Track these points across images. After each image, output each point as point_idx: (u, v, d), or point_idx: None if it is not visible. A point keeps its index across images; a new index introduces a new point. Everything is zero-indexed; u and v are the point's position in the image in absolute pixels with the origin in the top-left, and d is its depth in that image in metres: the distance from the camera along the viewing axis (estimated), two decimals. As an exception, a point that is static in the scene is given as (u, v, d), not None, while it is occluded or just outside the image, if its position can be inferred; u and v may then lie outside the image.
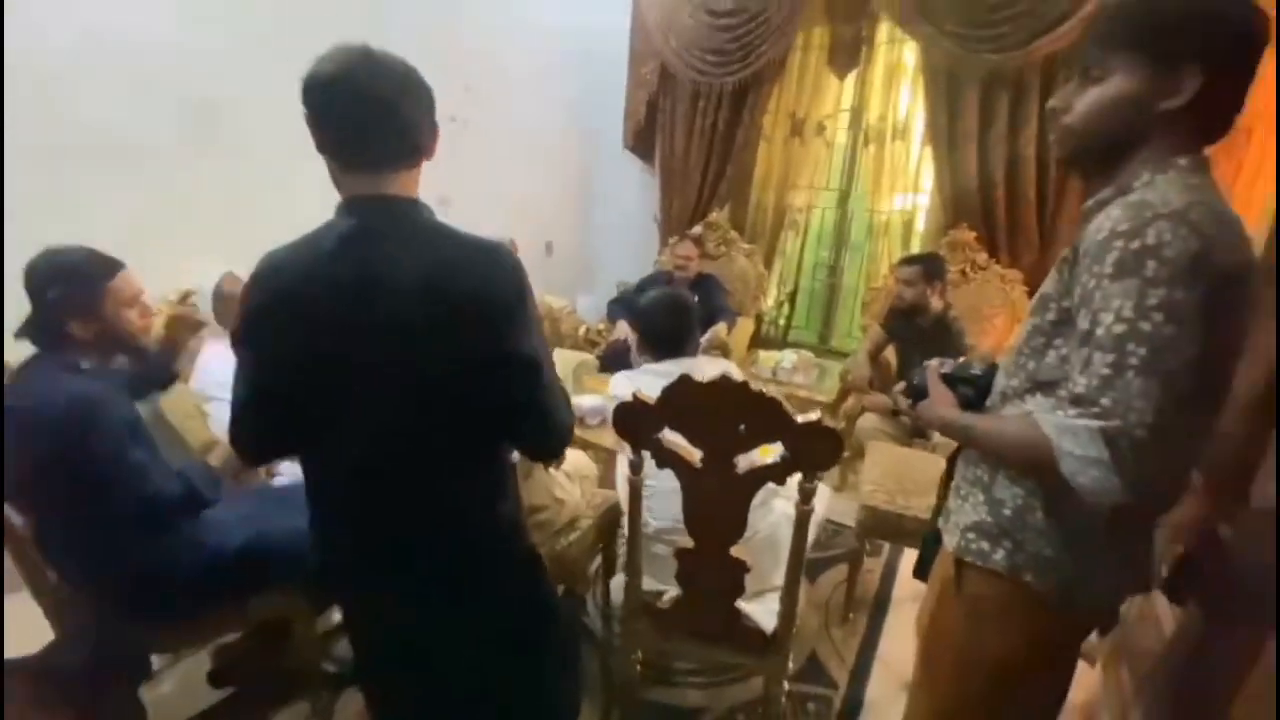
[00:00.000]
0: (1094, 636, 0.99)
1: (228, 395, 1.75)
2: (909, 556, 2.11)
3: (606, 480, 1.96)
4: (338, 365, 0.83)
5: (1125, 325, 0.66)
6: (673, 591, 1.33)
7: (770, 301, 3.67)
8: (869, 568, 2.09)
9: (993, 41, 2.56)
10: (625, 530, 1.36)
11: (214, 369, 1.79)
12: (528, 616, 1.04)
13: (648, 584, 1.36)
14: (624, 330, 3.04)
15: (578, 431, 1.83)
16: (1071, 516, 0.78)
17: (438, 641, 1.00)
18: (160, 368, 1.42)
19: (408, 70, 0.84)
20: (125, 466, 1.11)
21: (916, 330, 2.37)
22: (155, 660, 1.48)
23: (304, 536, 1.18)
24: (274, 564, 1.33)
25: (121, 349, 1.25)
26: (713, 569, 1.23)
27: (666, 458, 1.16)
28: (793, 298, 3.82)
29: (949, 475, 1.01)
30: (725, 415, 1.09)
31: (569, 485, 1.66)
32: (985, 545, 0.85)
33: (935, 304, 2.33)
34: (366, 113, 0.80)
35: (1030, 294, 2.69)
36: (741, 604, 1.28)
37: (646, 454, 1.18)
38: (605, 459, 2.02)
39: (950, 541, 0.92)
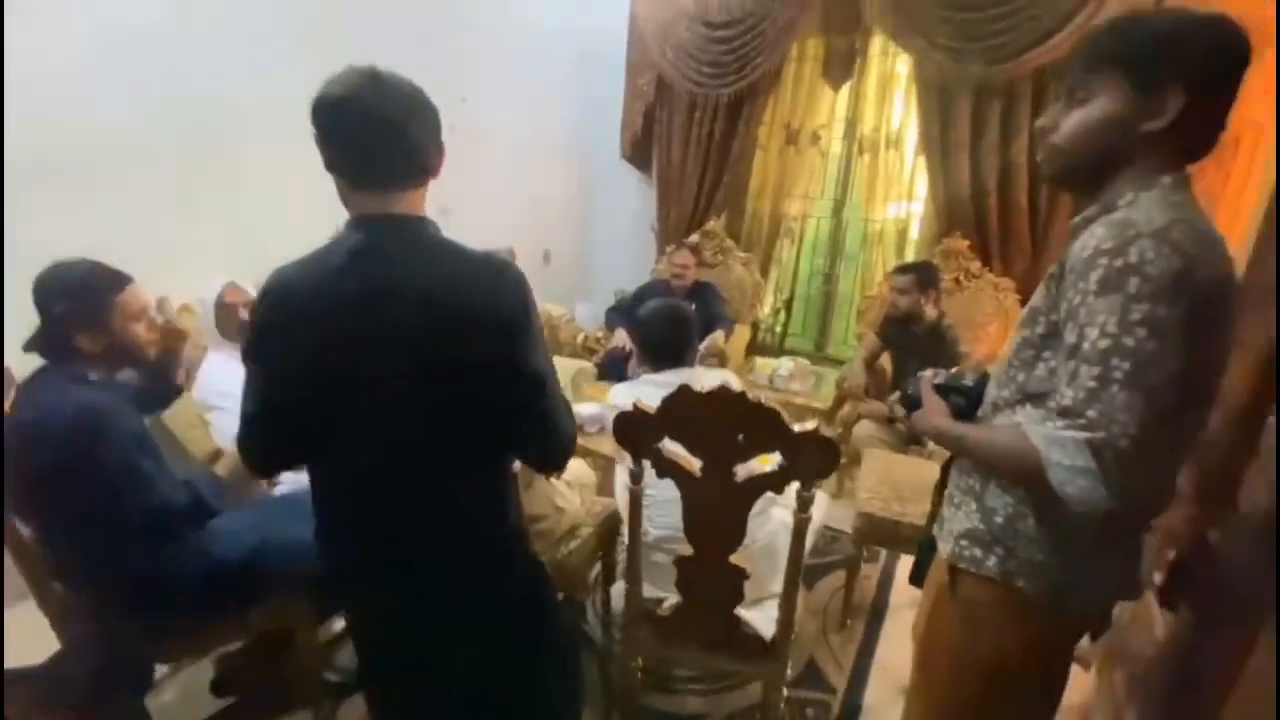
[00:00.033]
0: (1086, 640, 1.01)
1: (229, 404, 1.78)
2: (905, 563, 2.13)
3: (605, 488, 1.98)
4: (346, 379, 0.85)
5: (1110, 340, 0.68)
6: (673, 599, 1.35)
7: (767, 309, 3.70)
8: (866, 574, 2.11)
9: (983, 54, 2.61)
10: (625, 538, 1.38)
11: (215, 378, 1.80)
12: (531, 623, 1.06)
13: (648, 591, 1.38)
14: (622, 338, 3.06)
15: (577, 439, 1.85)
16: (1061, 524, 0.81)
17: (442, 647, 1.01)
18: (165, 383, 1.43)
19: (414, 91, 0.86)
20: (133, 476, 1.12)
21: (911, 338, 2.40)
22: (158, 669, 1.48)
23: (306, 546, 1.19)
24: (277, 573, 1.34)
25: (129, 362, 1.27)
26: (712, 576, 1.25)
27: (667, 467, 1.18)
28: (789, 305, 3.85)
29: (943, 483, 1.03)
30: (724, 425, 1.11)
31: (569, 494, 1.68)
32: (978, 552, 0.87)
33: (930, 312, 2.36)
34: (374, 134, 0.82)
35: (1023, 302, 2.72)
36: (741, 611, 1.30)
37: (647, 463, 1.20)
38: (604, 466, 2.04)
39: (944, 548, 0.94)
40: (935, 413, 0.96)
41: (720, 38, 3.23)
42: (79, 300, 1.16)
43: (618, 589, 1.45)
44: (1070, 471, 0.70)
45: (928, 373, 1.03)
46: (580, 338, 3.31)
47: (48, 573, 1.20)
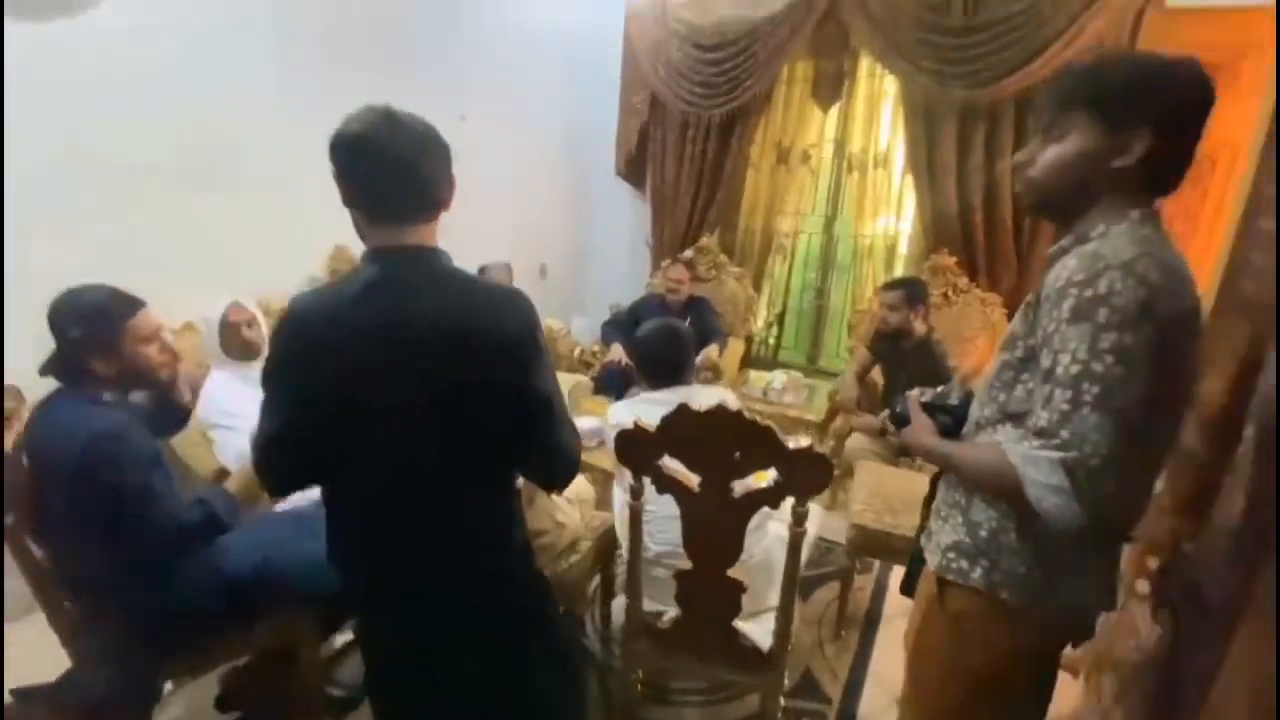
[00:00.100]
0: (1070, 649, 1.05)
1: (232, 423, 1.81)
2: (898, 573, 2.16)
3: (603, 502, 2.01)
4: (362, 403, 0.88)
5: (1080, 366, 0.73)
6: (672, 612, 1.38)
7: (760, 323, 3.77)
8: (860, 585, 2.15)
9: (966, 78, 2.70)
10: (624, 553, 1.41)
11: (218, 397, 1.81)
12: (535, 636, 1.09)
13: (648, 605, 1.41)
14: (618, 352, 3.10)
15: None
16: (1041, 537, 0.85)
17: (450, 661, 1.04)
18: (175, 407, 1.46)
19: (427, 129, 0.91)
20: (149, 496, 1.15)
21: (901, 352, 2.46)
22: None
23: (310, 563, 1.23)
24: (281, 590, 1.36)
25: (141, 384, 1.30)
26: (711, 590, 1.29)
27: (666, 483, 1.22)
28: (781, 319, 3.92)
29: (931, 496, 1.08)
30: (722, 443, 1.15)
31: (569, 509, 1.71)
32: (964, 564, 0.92)
33: (918, 327, 2.42)
34: (390, 171, 0.87)
35: (1009, 316, 2.80)
36: (739, 623, 1.33)
37: (646, 480, 1.23)
38: (601, 480, 2.07)
39: (932, 560, 0.98)
40: (923, 431, 1.01)
41: (712, 59, 3.31)
42: (95, 326, 1.19)
43: (618, 603, 1.48)
44: (1045, 489, 0.75)
45: (914, 392, 1.09)
46: (577, 351, 3.35)
47: (60, 591, 1.22)
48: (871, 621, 2.06)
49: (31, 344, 1.23)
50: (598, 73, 3.70)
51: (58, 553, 1.21)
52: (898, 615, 2.06)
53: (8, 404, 1.28)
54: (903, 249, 3.37)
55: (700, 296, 3.32)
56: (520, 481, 1.08)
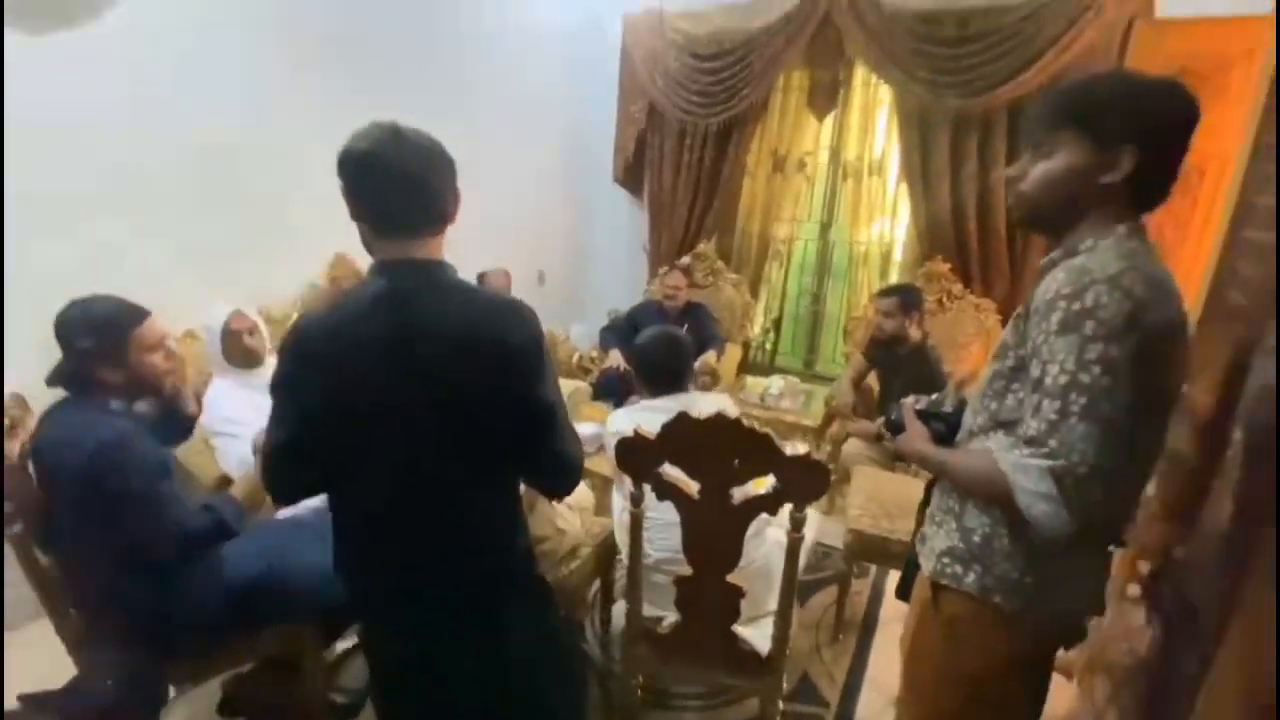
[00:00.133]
0: (1063, 651, 1.07)
1: (234, 430, 1.82)
2: (895, 577, 2.18)
3: (601, 507, 2.02)
4: (369, 413, 0.90)
5: (1068, 376, 0.76)
6: (672, 617, 1.40)
7: (757, 329, 3.80)
8: (857, 589, 2.17)
9: (959, 87, 2.74)
10: (624, 559, 1.43)
11: (220, 405, 1.83)
12: (539, 641, 1.11)
13: (648, 610, 1.43)
14: (616, 358, 3.13)
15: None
16: (1033, 543, 0.87)
17: (455, 666, 1.06)
18: (181, 416, 1.47)
19: (432, 144, 0.93)
20: (157, 503, 1.17)
21: (896, 358, 2.48)
22: (166, 692, 1.50)
23: (313, 571, 1.24)
24: (283, 598, 1.37)
25: (147, 392, 1.31)
26: (711, 595, 1.30)
27: (667, 490, 1.24)
28: (778, 325, 3.95)
29: (926, 502, 1.10)
30: (721, 450, 1.17)
31: (570, 515, 1.73)
32: (958, 569, 0.94)
33: (914, 333, 2.44)
34: (397, 186, 0.89)
35: (1002, 322, 2.83)
36: (738, 628, 1.35)
37: (647, 486, 1.25)
38: (600, 486, 2.09)
39: (927, 566, 1.00)
40: (917, 438, 1.03)
41: (708, 69, 3.35)
42: (103, 336, 1.21)
43: (618, 609, 1.50)
44: (1035, 496, 0.77)
45: (909, 399, 1.11)
46: (575, 358, 3.37)
47: (66, 599, 1.23)
48: (868, 626, 2.07)
49: (33, 351, 1.24)
50: (596, 82, 3.73)
51: (64, 560, 1.22)
52: (894, 619, 2.08)
53: (13, 412, 1.29)
54: (898, 255, 3.41)
55: (698, 302, 3.34)
56: (521, 488, 1.10)
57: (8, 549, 1.19)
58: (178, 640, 1.26)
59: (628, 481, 1.27)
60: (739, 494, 1.20)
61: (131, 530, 1.16)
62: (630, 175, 3.89)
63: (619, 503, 1.61)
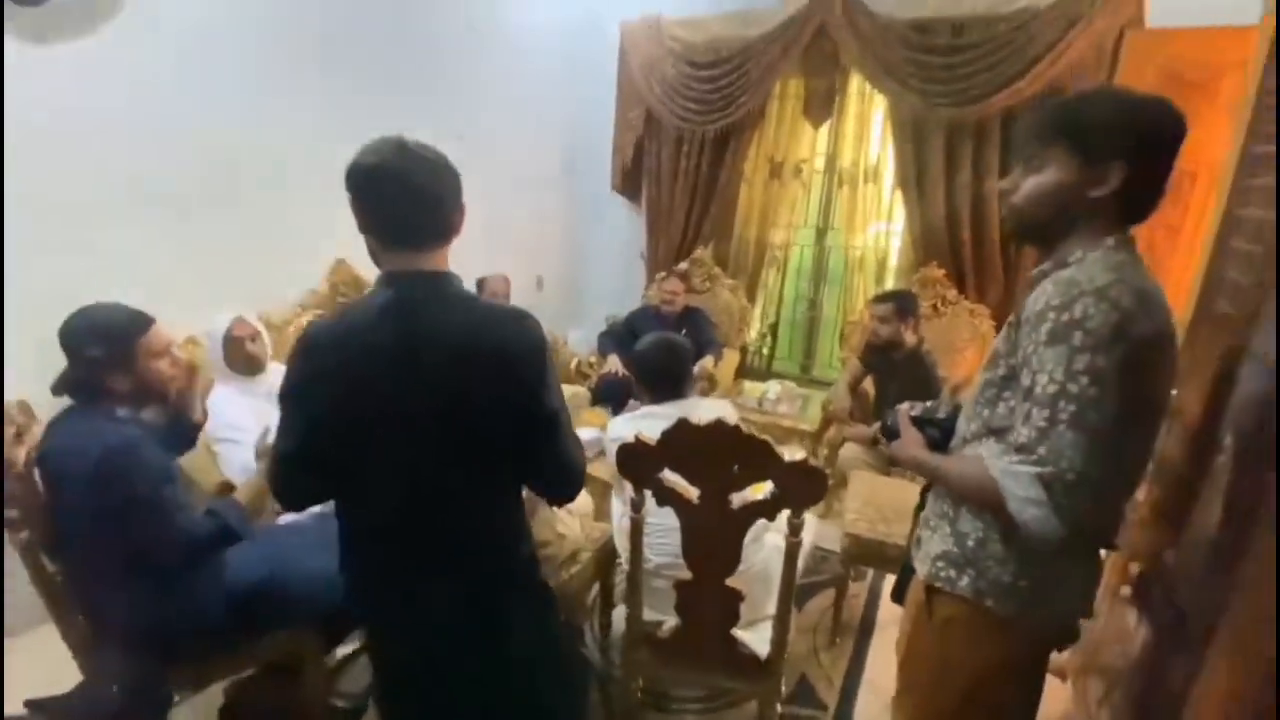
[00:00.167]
0: (1056, 653, 1.09)
1: (236, 436, 1.83)
2: (891, 581, 2.20)
3: (600, 512, 2.04)
4: (376, 421, 0.92)
5: (1057, 386, 0.78)
6: (672, 621, 1.41)
7: (754, 334, 3.83)
8: (854, 592, 2.18)
9: (953, 96, 2.78)
10: (624, 564, 1.44)
11: (222, 411, 1.84)
12: (542, 645, 1.12)
13: (648, 615, 1.44)
14: (615, 363, 3.14)
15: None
16: (1025, 547, 0.89)
17: (457, 669, 1.07)
18: (187, 424, 1.49)
19: (438, 158, 0.95)
20: (163, 509, 1.18)
21: (892, 363, 2.51)
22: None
23: (317, 578, 1.25)
24: (288, 603, 1.39)
25: (153, 398, 1.32)
26: (710, 599, 1.32)
27: (667, 496, 1.25)
28: (775, 330, 3.97)
29: (921, 506, 1.12)
30: (720, 457, 1.19)
31: (570, 521, 1.75)
32: (952, 573, 0.96)
33: (909, 339, 2.47)
34: (404, 200, 0.91)
35: (997, 327, 2.86)
36: (737, 632, 1.37)
37: (647, 492, 1.27)
38: (600, 492, 2.10)
39: (921, 569, 1.02)
40: (912, 444, 1.05)
41: (705, 77, 3.38)
42: (112, 344, 1.22)
43: (618, 613, 1.51)
44: (1025, 501, 0.79)
45: (904, 406, 1.13)
46: (574, 363, 3.39)
47: (72, 604, 1.24)
48: (865, 629, 2.09)
49: (34, 358, 1.24)
50: (594, 88, 3.76)
51: (71, 566, 1.23)
52: (891, 623, 2.10)
53: (19, 420, 1.30)
54: (893, 261, 3.44)
55: (696, 307, 3.37)
56: (524, 494, 1.12)
57: (15, 555, 1.20)
58: (181, 646, 1.27)
59: (628, 487, 1.29)
60: (738, 499, 1.22)
61: (137, 536, 1.17)
62: (628, 181, 3.91)
63: (618, 508, 1.63)
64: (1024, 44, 2.62)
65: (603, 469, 1.99)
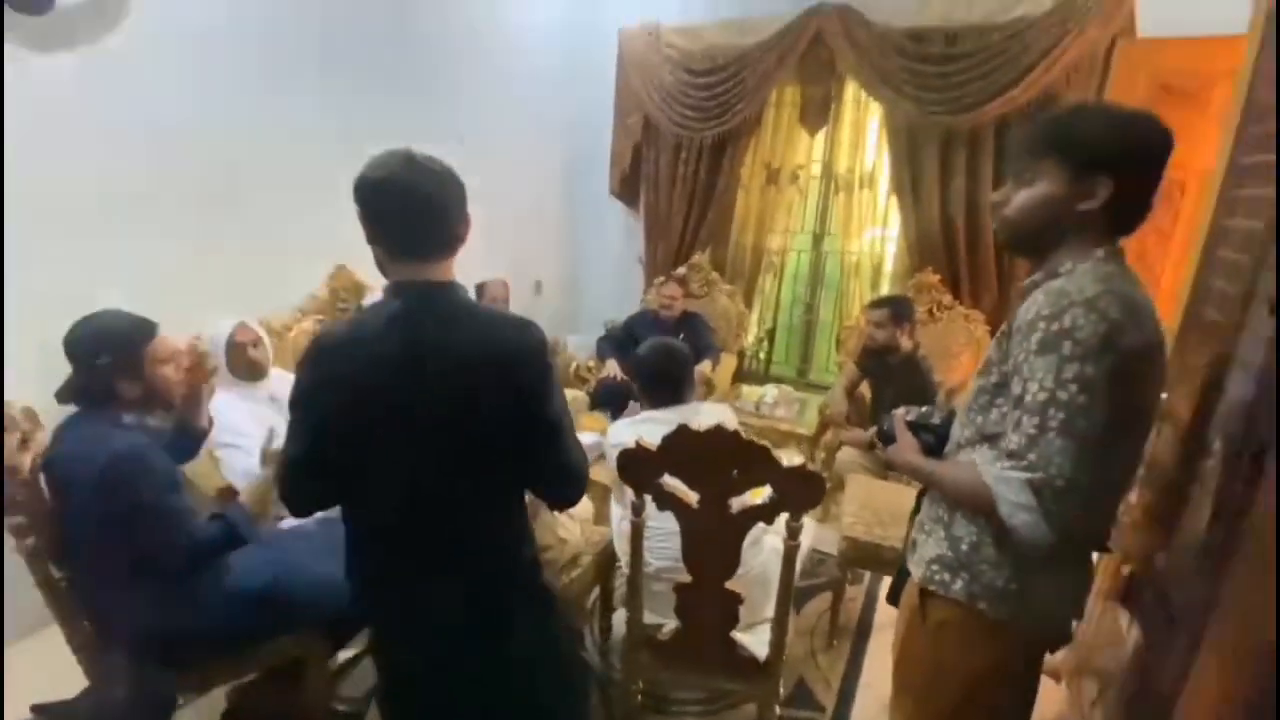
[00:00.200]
0: (1060, 653, 1.10)
1: (237, 441, 1.84)
2: (888, 584, 2.22)
3: (600, 516, 2.05)
4: (384, 429, 0.94)
5: (1047, 394, 0.80)
6: (671, 624, 1.43)
7: (751, 338, 3.85)
8: (851, 595, 2.20)
9: (947, 104, 2.81)
10: (624, 568, 1.46)
11: (225, 417, 1.84)
12: (544, 648, 1.14)
13: (648, 618, 1.46)
14: (613, 367, 3.16)
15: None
16: (1018, 551, 0.91)
17: (461, 672, 1.09)
18: (192, 431, 1.50)
19: (444, 170, 0.97)
20: (168, 514, 1.20)
21: (888, 368, 2.54)
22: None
23: (320, 583, 1.27)
24: (292, 608, 1.40)
25: (160, 404, 1.34)
26: (710, 602, 1.34)
27: (667, 501, 1.27)
28: (772, 334, 4.00)
29: (917, 510, 1.14)
30: (720, 461, 1.21)
31: (571, 524, 1.76)
32: (946, 576, 0.98)
33: (905, 343, 2.49)
34: (411, 212, 0.93)
35: (991, 332, 2.89)
36: (736, 634, 1.39)
37: (647, 496, 1.29)
38: (599, 496, 2.12)
39: (916, 573, 1.04)
40: (907, 449, 1.07)
41: (703, 84, 3.41)
42: (120, 351, 1.24)
43: (619, 616, 1.53)
44: (1016, 507, 0.82)
45: (900, 411, 1.15)
46: (573, 367, 3.41)
47: (78, 610, 1.25)
48: (863, 631, 2.11)
49: (36, 361, 1.25)
50: (593, 94, 3.78)
51: (77, 571, 1.24)
52: (888, 625, 2.11)
53: (24, 427, 1.31)
54: (889, 266, 3.47)
55: (694, 312, 3.39)
56: (527, 498, 1.13)
57: (21, 561, 1.21)
58: (185, 650, 1.28)
59: (629, 492, 1.30)
60: (737, 504, 1.24)
61: (143, 542, 1.19)
62: (626, 187, 3.94)
63: (618, 512, 1.65)
64: (1018, 53, 2.66)
65: (603, 473, 2.00)
